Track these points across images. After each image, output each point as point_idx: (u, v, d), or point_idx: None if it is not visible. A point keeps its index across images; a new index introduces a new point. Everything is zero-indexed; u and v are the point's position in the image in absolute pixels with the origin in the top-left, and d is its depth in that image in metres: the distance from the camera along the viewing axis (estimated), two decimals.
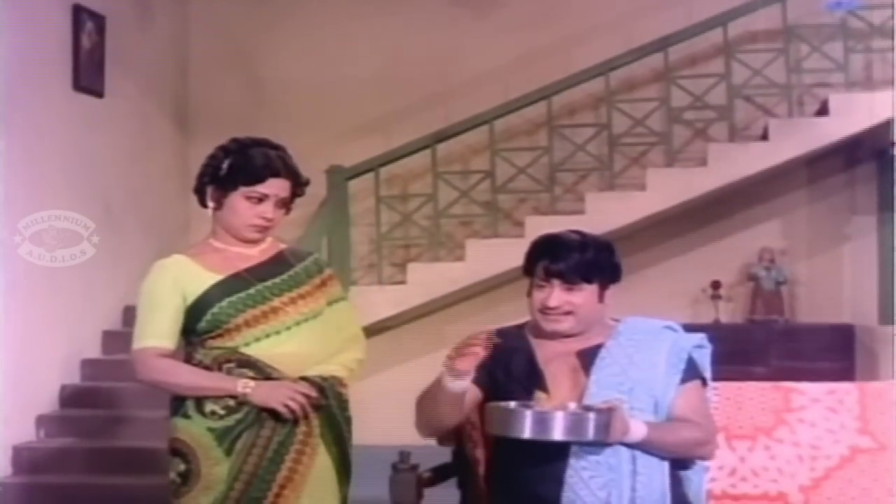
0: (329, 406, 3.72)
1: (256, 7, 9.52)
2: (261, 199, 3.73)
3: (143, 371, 3.73)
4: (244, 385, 3.62)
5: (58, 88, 7.74)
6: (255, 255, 3.81)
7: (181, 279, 3.72)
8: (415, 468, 3.77)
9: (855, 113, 8.07)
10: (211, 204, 3.80)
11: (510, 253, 7.76)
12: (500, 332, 3.59)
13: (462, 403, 3.52)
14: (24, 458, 7.09)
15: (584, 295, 3.52)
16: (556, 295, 3.50)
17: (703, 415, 3.54)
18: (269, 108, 9.18)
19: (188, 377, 3.70)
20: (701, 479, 3.64)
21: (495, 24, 9.20)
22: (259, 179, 3.71)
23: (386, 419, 6.76)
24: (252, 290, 3.71)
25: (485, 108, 8.59)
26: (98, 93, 8.15)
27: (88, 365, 7.84)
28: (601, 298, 3.56)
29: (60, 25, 7.80)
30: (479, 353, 3.32)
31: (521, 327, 3.70)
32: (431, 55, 9.16)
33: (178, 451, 3.68)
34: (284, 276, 3.79)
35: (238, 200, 3.74)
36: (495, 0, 9.25)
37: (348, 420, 3.81)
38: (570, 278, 3.49)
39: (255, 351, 3.67)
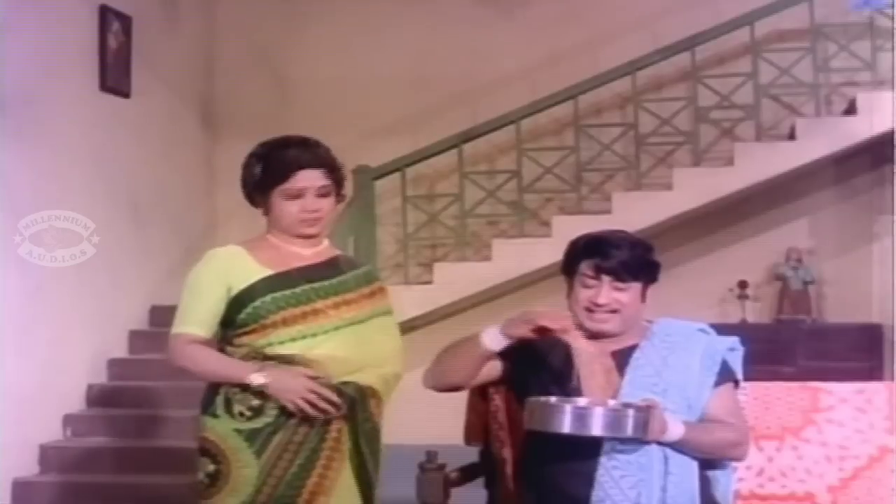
0: (362, 413, 3.71)
1: (282, 6, 9.52)
2: (298, 194, 3.74)
3: (173, 356, 3.75)
4: (261, 375, 3.60)
5: (84, 89, 7.76)
6: (309, 255, 3.82)
7: (229, 270, 3.73)
8: (442, 468, 3.77)
9: (883, 112, 8.01)
10: (261, 210, 3.84)
11: (537, 252, 7.86)
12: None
13: (481, 366, 3.58)
14: (51, 457, 7.12)
15: (631, 293, 3.54)
16: (605, 292, 3.52)
17: (736, 416, 3.55)
18: (295, 107, 9.17)
19: (212, 364, 3.71)
20: (729, 480, 3.63)
21: (522, 23, 9.18)
22: (287, 176, 3.73)
23: (412, 419, 6.75)
24: (298, 290, 3.72)
25: (511, 108, 8.57)
26: (125, 93, 8.16)
27: (115, 364, 7.85)
28: (643, 298, 3.59)
29: (87, 26, 7.81)
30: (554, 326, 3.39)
31: None
32: (458, 55, 9.14)
33: (207, 451, 3.69)
34: (333, 281, 3.79)
35: (279, 201, 3.76)
36: None
37: (377, 428, 3.80)
38: (622, 275, 3.51)
39: (290, 350, 3.66)
